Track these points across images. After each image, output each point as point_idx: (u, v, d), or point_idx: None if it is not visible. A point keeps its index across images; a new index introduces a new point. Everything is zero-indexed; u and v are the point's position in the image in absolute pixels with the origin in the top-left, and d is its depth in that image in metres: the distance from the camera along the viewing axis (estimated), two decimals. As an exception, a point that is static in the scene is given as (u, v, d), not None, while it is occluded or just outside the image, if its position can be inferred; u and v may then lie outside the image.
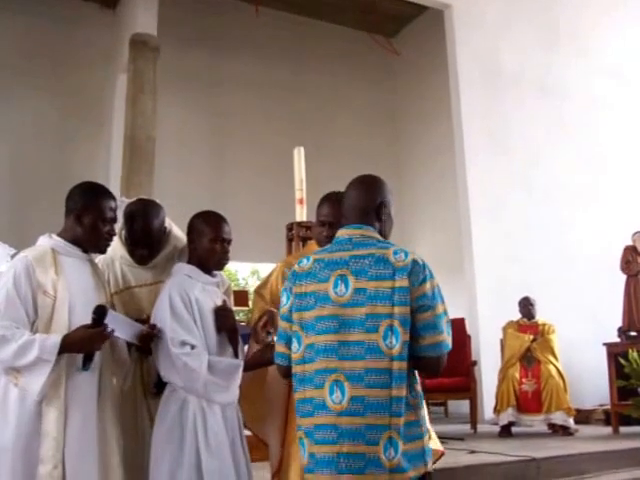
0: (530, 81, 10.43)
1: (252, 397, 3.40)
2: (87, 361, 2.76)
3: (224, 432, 3.03)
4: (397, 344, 2.28)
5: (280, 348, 2.59)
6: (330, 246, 2.57)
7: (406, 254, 2.38)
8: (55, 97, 10.29)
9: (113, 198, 3.07)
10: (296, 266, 2.59)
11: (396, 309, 2.30)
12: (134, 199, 3.63)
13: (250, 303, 7.80)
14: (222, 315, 3.19)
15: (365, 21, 12.09)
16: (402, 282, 2.32)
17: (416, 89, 12.55)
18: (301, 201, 5.68)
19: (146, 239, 3.39)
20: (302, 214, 5.65)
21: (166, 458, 2.95)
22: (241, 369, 3.06)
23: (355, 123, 12.49)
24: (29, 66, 10.13)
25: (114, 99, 10.24)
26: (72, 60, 10.43)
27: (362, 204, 2.60)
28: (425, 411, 2.45)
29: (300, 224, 5.50)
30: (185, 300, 3.05)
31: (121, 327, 2.94)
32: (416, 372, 2.42)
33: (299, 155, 5.84)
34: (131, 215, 3.41)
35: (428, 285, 2.34)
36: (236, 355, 3.22)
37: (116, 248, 3.42)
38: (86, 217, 2.96)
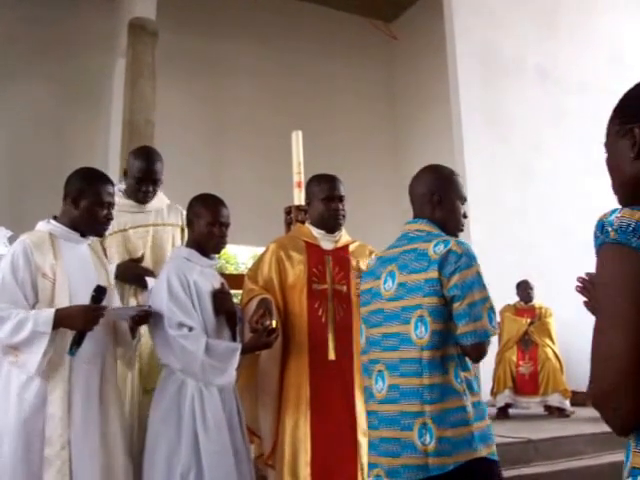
0: (529, 67, 10.42)
1: (243, 389, 3.40)
2: (75, 345, 2.76)
3: (222, 414, 3.05)
4: (426, 334, 2.36)
5: None
6: (393, 242, 2.65)
7: (446, 245, 2.41)
8: (53, 82, 10.25)
9: (111, 183, 3.10)
10: (365, 266, 2.76)
11: (425, 300, 2.38)
12: (138, 146, 3.94)
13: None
14: (220, 297, 3.21)
15: (364, 6, 12.07)
16: (432, 274, 2.38)
17: (414, 74, 12.53)
18: (299, 184, 5.68)
19: (153, 175, 3.69)
20: (300, 198, 5.65)
21: (163, 440, 2.97)
22: (239, 352, 3.06)
23: (353, 107, 12.47)
24: (27, 52, 10.09)
25: (113, 83, 10.22)
26: (70, 45, 10.39)
27: (417, 197, 2.68)
28: (478, 397, 2.46)
29: (299, 207, 5.50)
30: (183, 283, 3.08)
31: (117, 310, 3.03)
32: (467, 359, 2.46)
33: (297, 139, 5.84)
34: (141, 154, 3.76)
35: (460, 275, 2.37)
36: (234, 338, 3.24)
37: None
38: (83, 201, 2.99)
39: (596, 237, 1.36)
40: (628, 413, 1.26)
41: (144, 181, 3.69)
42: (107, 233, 3.44)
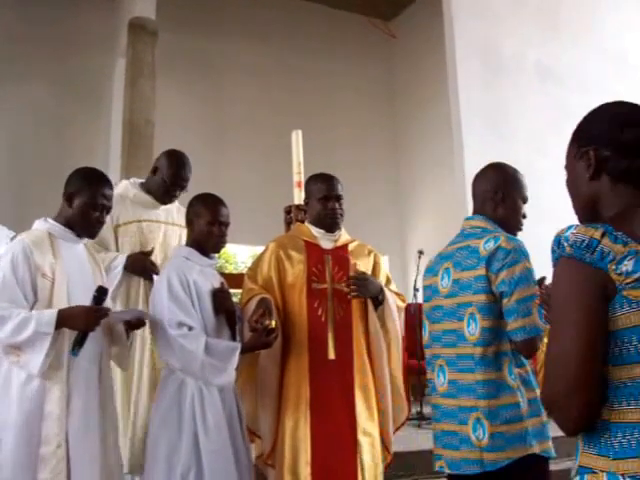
0: (530, 64, 10.37)
1: (243, 389, 3.40)
2: (77, 345, 2.76)
3: (222, 413, 3.05)
4: (476, 331, 2.43)
5: None
6: (453, 238, 2.73)
7: (496, 241, 2.46)
8: (53, 82, 10.23)
9: (109, 186, 3.08)
10: (428, 261, 2.83)
11: (475, 297, 2.45)
12: (171, 149, 3.97)
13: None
14: (220, 297, 3.21)
15: (363, 4, 12.05)
16: (481, 271, 2.45)
17: (414, 73, 12.51)
18: (299, 184, 5.69)
19: (183, 182, 3.84)
20: (300, 197, 5.65)
21: (164, 439, 2.98)
22: (238, 351, 3.05)
23: (353, 106, 12.45)
24: (26, 52, 10.06)
25: (113, 83, 10.20)
26: (70, 45, 10.36)
27: (479, 192, 2.74)
28: (534, 393, 2.52)
29: (298, 207, 5.50)
30: (183, 282, 3.08)
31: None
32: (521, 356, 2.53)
33: (297, 138, 5.85)
34: (176, 160, 3.85)
35: (508, 271, 2.41)
36: (234, 337, 3.24)
37: (128, 189, 3.83)
38: (76, 200, 2.99)
39: (553, 251, 1.47)
40: (576, 415, 1.37)
41: (174, 186, 3.82)
42: (121, 221, 3.67)
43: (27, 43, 10.08)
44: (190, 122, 11.06)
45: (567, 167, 1.64)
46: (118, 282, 3.55)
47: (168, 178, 3.79)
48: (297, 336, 3.39)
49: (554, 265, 1.47)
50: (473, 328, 2.43)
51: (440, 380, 2.57)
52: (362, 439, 3.31)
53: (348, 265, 3.52)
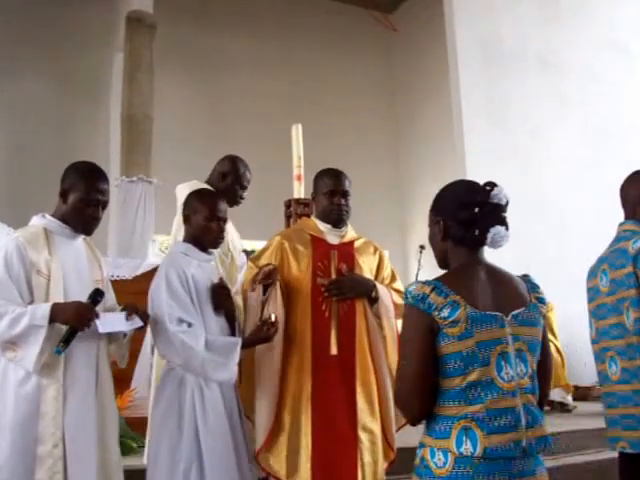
0: (530, 56, 10.34)
1: (246, 384, 3.37)
2: (62, 342, 2.72)
3: (222, 410, 3.03)
4: (632, 322, 2.77)
5: None
6: (610, 243, 3.06)
7: None
8: (52, 78, 10.22)
9: (104, 180, 3.03)
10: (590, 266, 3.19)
11: (627, 292, 2.79)
12: (232, 155, 4.30)
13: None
14: (219, 293, 3.18)
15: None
16: (629, 269, 2.79)
17: (415, 65, 12.48)
18: (299, 178, 5.67)
19: (248, 185, 4.20)
20: (300, 191, 5.64)
21: (165, 435, 2.97)
22: (239, 347, 3.03)
23: (353, 100, 12.44)
24: (24, 48, 10.03)
25: (111, 78, 10.19)
26: (68, 40, 10.33)
27: (629, 198, 3.11)
28: None
29: (298, 201, 5.50)
30: (182, 278, 3.05)
31: (112, 322, 2.95)
32: None
33: (297, 132, 5.83)
34: (244, 164, 4.22)
35: None
36: (233, 333, 3.22)
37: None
38: (71, 196, 2.95)
39: (403, 299, 2.05)
40: (415, 411, 2.02)
41: (243, 189, 4.16)
42: None
43: (25, 40, 10.06)
44: (188, 116, 11.05)
45: (429, 226, 2.20)
46: None
47: (239, 182, 4.10)
48: (300, 331, 3.37)
49: (404, 310, 2.05)
50: (631, 320, 2.77)
51: (613, 369, 2.93)
52: (363, 435, 3.30)
53: (353, 261, 3.50)
